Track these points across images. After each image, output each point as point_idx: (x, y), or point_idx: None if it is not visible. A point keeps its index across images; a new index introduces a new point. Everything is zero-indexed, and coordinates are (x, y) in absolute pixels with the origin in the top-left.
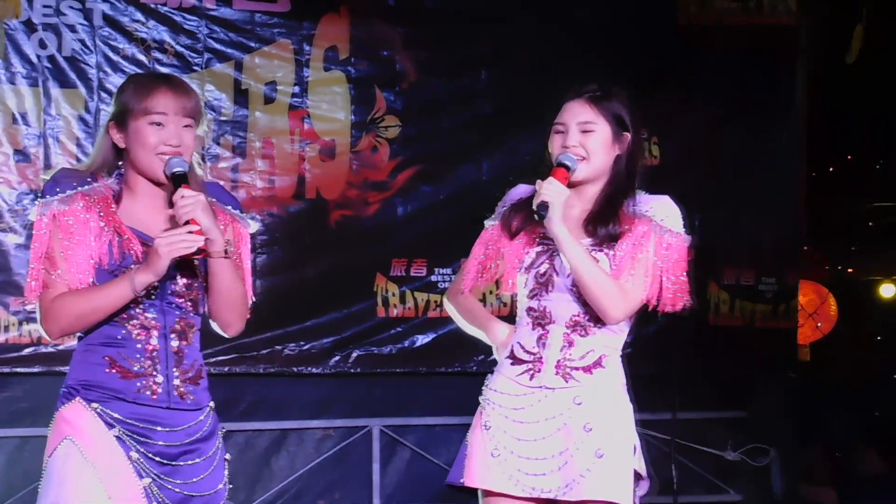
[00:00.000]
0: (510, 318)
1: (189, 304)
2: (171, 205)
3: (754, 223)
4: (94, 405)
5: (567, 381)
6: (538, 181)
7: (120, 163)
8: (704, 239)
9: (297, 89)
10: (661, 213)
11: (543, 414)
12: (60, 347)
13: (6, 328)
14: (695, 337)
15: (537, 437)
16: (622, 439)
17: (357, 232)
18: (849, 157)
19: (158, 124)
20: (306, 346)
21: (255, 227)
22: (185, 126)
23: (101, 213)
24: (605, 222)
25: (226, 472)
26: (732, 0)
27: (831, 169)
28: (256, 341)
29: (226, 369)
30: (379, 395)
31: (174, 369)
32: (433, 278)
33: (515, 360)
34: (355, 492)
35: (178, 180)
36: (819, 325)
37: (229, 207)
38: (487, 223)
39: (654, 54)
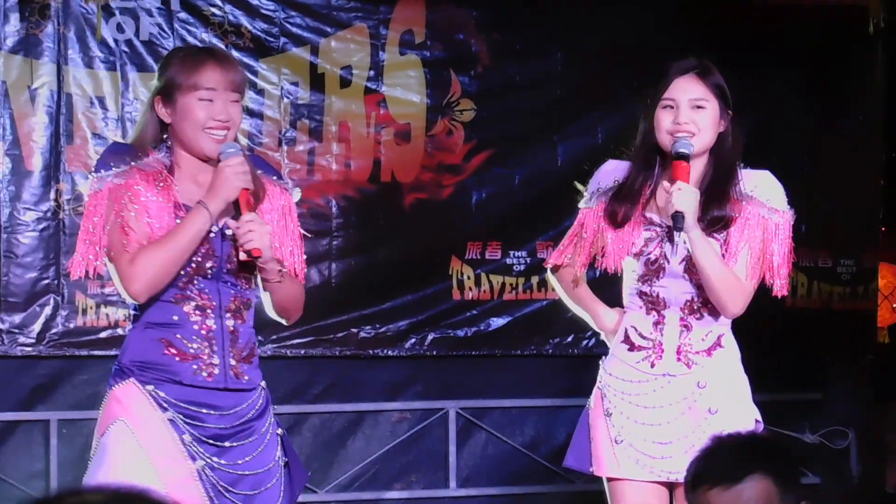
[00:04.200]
0: None
1: (243, 280)
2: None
3: (831, 205)
4: (149, 387)
5: (690, 368)
6: (665, 183)
7: (165, 136)
8: None
9: (372, 73)
10: (766, 192)
11: (667, 399)
12: None
13: (84, 311)
14: (772, 319)
15: (662, 422)
16: (745, 417)
17: (432, 215)
18: None
19: (208, 100)
20: (382, 329)
21: (298, 194)
22: (233, 101)
23: (157, 188)
24: (717, 208)
25: (279, 449)
26: None
27: None
28: (332, 324)
29: (302, 352)
30: (454, 377)
31: (230, 349)
32: (508, 261)
33: (633, 346)
34: (431, 474)
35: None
36: (894, 306)
37: (275, 178)
38: (582, 205)
39: (727, 34)
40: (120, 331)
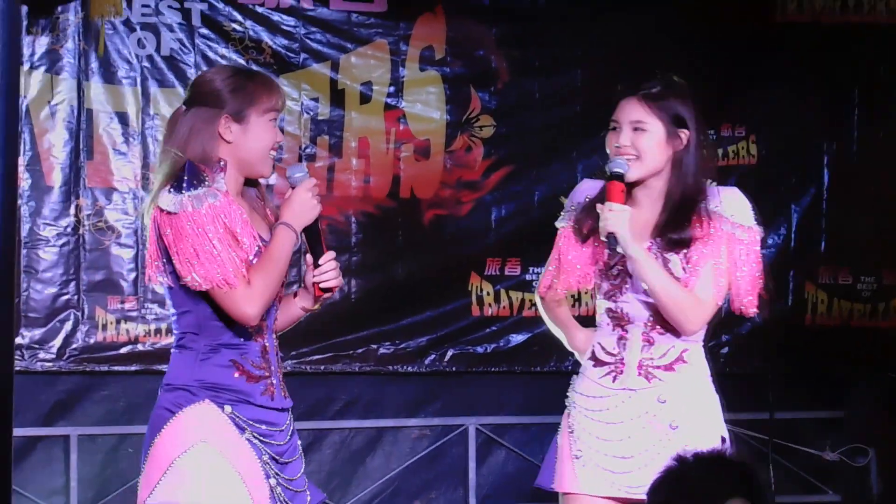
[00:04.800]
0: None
1: (278, 299)
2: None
3: (852, 222)
4: (227, 408)
5: (650, 382)
6: (598, 206)
7: (219, 159)
8: (802, 238)
9: (392, 89)
10: (730, 208)
11: (628, 414)
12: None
13: (104, 327)
14: (792, 336)
15: (623, 437)
16: (709, 434)
17: (451, 231)
18: None
19: (274, 122)
20: (401, 345)
21: None
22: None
23: (236, 210)
24: (676, 228)
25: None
26: None
27: None
28: (352, 340)
29: (322, 368)
30: (474, 394)
31: (278, 367)
32: (527, 277)
33: (597, 361)
34: (451, 491)
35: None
36: None
37: None
38: (559, 224)
39: (750, 52)
40: (140, 346)
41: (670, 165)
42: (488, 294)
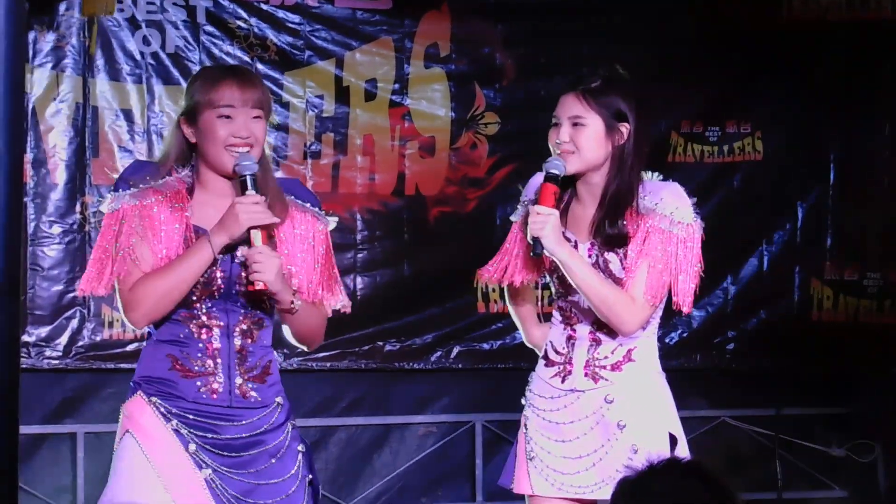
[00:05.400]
0: None
1: (255, 301)
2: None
3: (858, 218)
4: (154, 399)
5: (597, 382)
6: (530, 207)
7: (192, 156)
8: (808, 234)
9: (397, 86)
10: (669, 205)
11: (576, 414)
12: None
13: (110, 324)
14: (798, 332)
15: (571, 438)
16: (658, 431)
17: (456, 228)
18: None
19: (227, 117)
20: (407, 342)
21: (333, 223)
22: (255, 118)
23: (172, 209)
24: (611, 224)
25: (297, 462)
26: None
27: None
28: (358, 337)
29: (328, 365)
30: (480, 390)
31: (237, 369)
32: None
33: (549, 361)
34: (458, 488)
35: (244, 185)
36: None
37: (308, 204)
38: (512, 218)
39: (756, 49)
40: (146, 344)
41: (610, 161)
42: (493, 290)
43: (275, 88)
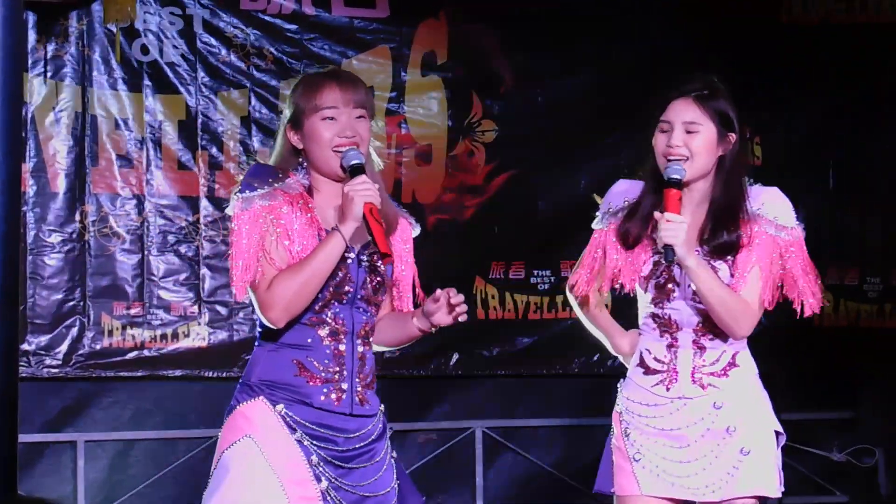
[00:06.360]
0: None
1: (374, 307)
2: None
3: (858, 222)
4: (279, 407)
5: (704, 389)
6: (656, 213)
7: (301, 161)
8: (807, 239)
9: (394, 94)
10: (773, 209)
11: (685, 421)
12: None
13: (110, 333)
14: (799, 337)
15: (681, 444)
16: (765, 432)
17: (454, 235)
18: None
19: (331, 119)
20: (407, 349)
21: (418, 230)
22: (358, 117)
23: (301, 209)
24: (725, 233)
25: (394, 472)
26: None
27: None
28: None
29: None
30: (480, 397)
31: (357, 375)
32: (532, 280)
33: (648, 369)
34: (458, 494)
35: (356, 171)
36: None
37: (398, 208)
38: (596, 226)
39: (755, 54)
40: (146, 352)
41: (715, 168)
42: (493, 297)
43: (271, 98)
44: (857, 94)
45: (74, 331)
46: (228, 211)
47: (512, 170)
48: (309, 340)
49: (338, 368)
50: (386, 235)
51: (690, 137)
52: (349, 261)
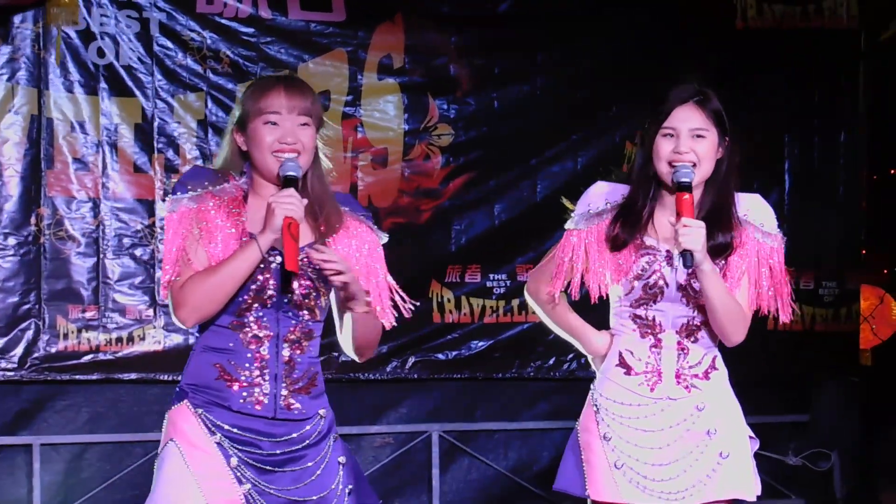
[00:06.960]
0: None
1: (306, 312)
2: None
3: (814, 227)
4: (199, 410)
5: (689, 391)
6: (671, 218)
7: (245, 165)
8: None
9: (350, 98)
10: (758, 216)
11: (667, 422)
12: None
13: (65, 336)
14: (754, 341)
15: (661, 445)
16: (741, 436)
17: (410, 239)
18: None
19: (273, 123)
20: None
21: (385, 239)
22: (302, 124)
23: (229, 214)
24: (721, 235)
25: (338, 476)
26: (791, 4)
27: (893, 172)
28: None
29: None
30: (436, 401)
31: (283, 380)
32: (488, 284)
33: (630, 369)
34: (415, 498)
35: (288, 183)
36: (873, 328)
37: (362, 216)
38: (570, 226)
39: (712, 59)
40: (101, 356)
41: (711, 172)
42: (449, 301)
43: (228, 101)
44: (812, 98)
45: (30, 334)
46: (160, 213)
47: (468, 173)
48: (231, 344)
49: (259, 373)
50: (322, 246)
51: (697, 143)
52: (274, 265)
